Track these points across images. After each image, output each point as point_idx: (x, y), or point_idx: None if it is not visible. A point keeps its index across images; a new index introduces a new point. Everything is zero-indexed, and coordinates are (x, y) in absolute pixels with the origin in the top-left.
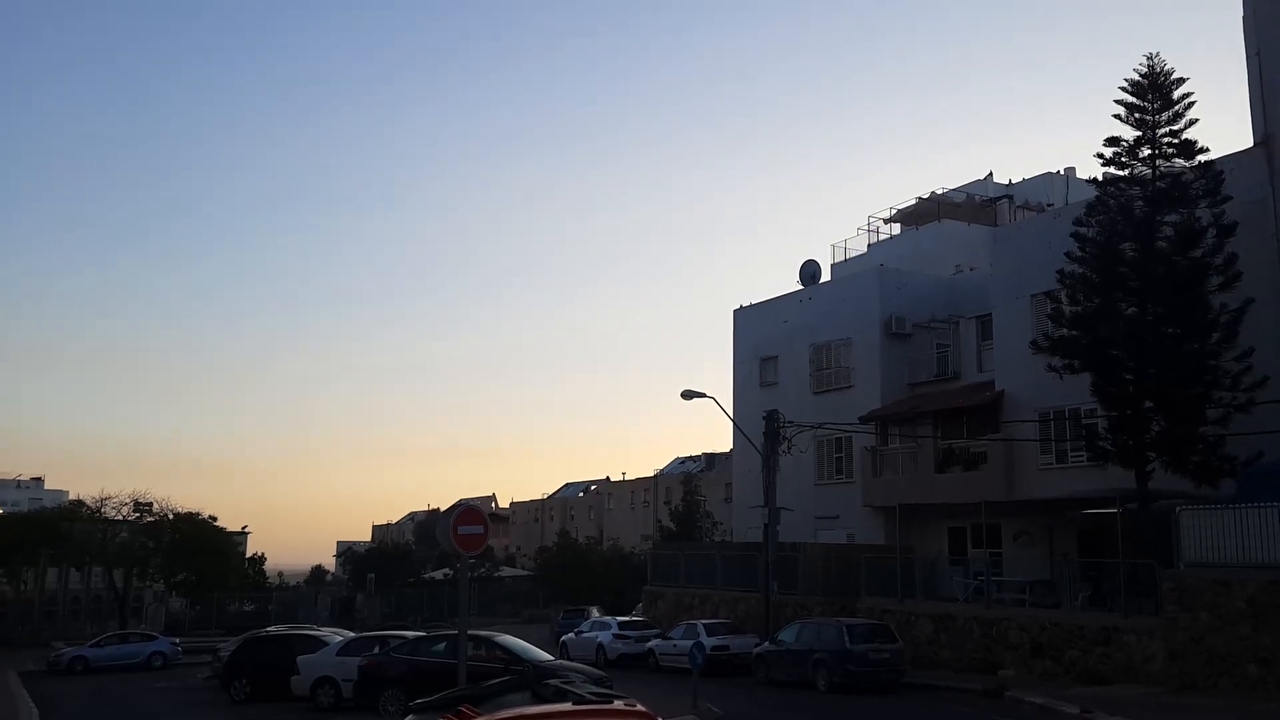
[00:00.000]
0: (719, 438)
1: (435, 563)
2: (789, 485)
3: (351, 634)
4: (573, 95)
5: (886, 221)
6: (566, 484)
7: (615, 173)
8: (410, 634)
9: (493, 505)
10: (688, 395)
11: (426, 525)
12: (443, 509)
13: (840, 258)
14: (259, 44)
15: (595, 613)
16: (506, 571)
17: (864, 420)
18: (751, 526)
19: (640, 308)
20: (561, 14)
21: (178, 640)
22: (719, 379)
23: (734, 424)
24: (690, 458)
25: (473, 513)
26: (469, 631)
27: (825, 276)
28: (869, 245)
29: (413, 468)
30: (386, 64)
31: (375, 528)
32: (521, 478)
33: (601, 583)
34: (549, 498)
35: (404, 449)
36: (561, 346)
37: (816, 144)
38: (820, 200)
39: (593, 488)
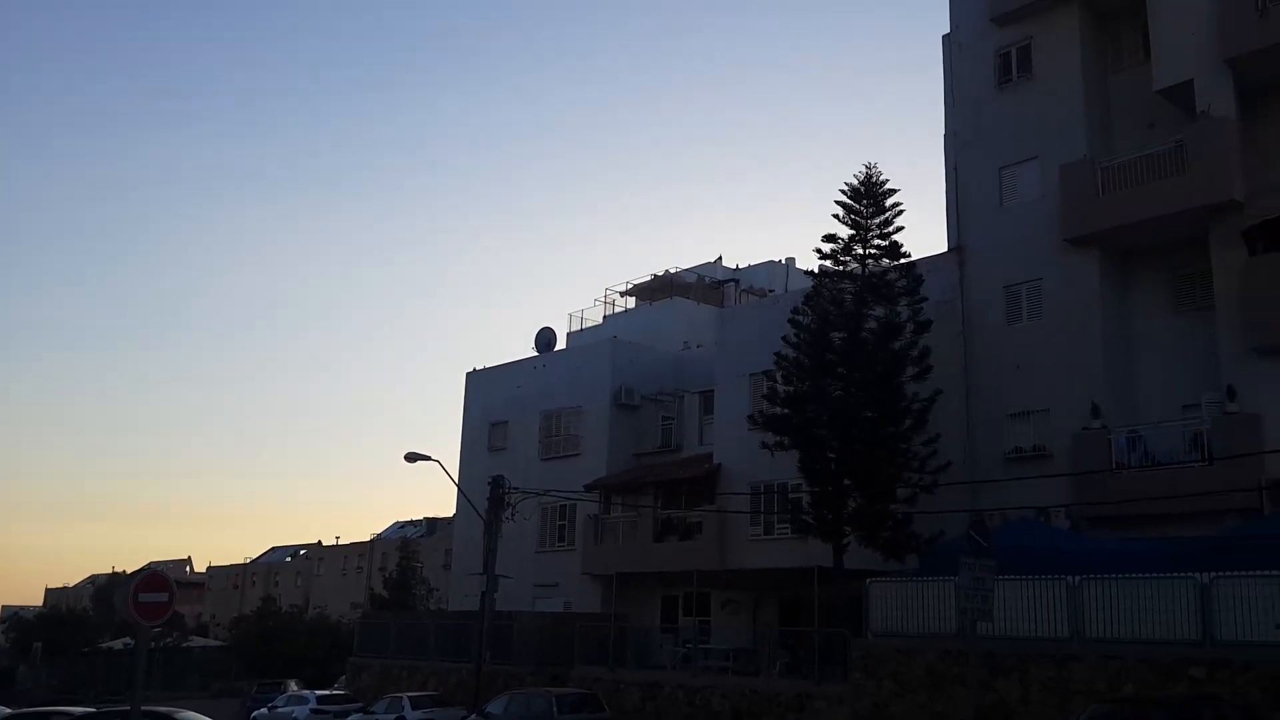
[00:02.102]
0: (443, 502)
1: (114, 631)
2: (511, 552)
3: (6, 710)
4: (301, 138)
5: (623, 295)
6: (273, 548)
7: (339, 225)
8: (77, 710)
9: (187, 570)
10: (411, 458)
11: (107, 590)
12: (129, 572)
13: (577, 327)
14: None
15: (293, 686)
16: (197, 641)
17: (589, 488)
18: (469, 594)
19: (365, 368)
20: (275, 61)
21: None
22: (448, 442)
23: (458, 488)
24: (411, 522)
25: (156, 579)
26: (145, 708)
27: (561, 344)
28: (604, 317)
29: (102, 528)
30: None
31: (49, 591)
32: (224, 541)
33: (305, 654)
34: (251, 562)
35: (95, 507)
36: (275, 404)
37: (560, 214)
38: (561, 269)
39: (301, 552)
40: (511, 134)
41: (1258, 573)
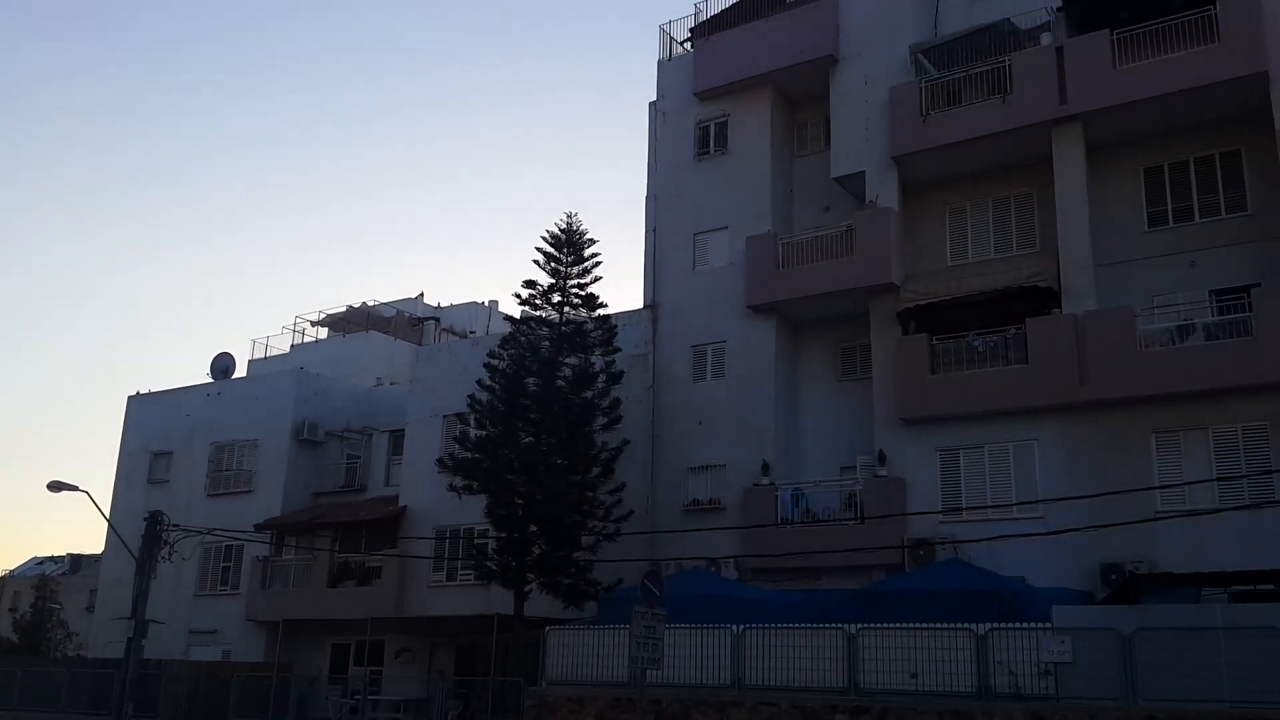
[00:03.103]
0: (92, 538)
1: None
2: (166, 595)
3: None
4: None
5: (314, 324)
6: None
7: None
8: None
9: None
10: (55, 487)
11: None
12: None
13: (261, 354)
14: None
15: None
16: None
17: (260, 528)
18: (113, 641)
19: (2, 382)
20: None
21: None
22: (102, 472)
23: (109, 523)
24: (52, 558)
25: None
26: None
27: (241, 372)
28: (292, 346)
29: None
30: None
31: None
32: None
33: None
34: None
35: None
36: None
37: (250, 234)
38: (249, 292)
39: None
40: (203, 141)
41: (897, 625)
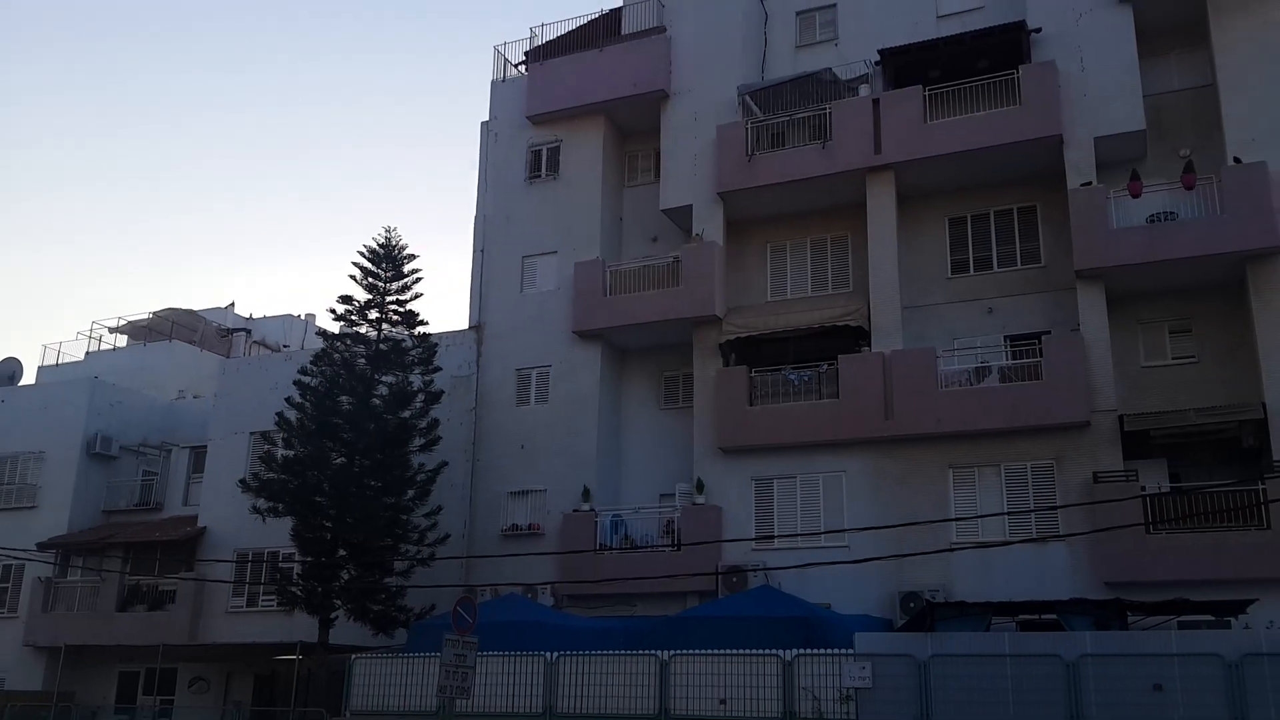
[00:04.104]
0: None
1: None
2: None
3: None
4: None
5: (112, 331)
6: None
7: None
8: None
9: None
10: None
11: None
12: None
13: (53, 361)
14: None
15: None
16: None
17: (43, 546)
18: None
19: None
20: None
21: None
22: None
23: None
24: None
25: None
26: None
27: (30, 379)
28: (87, 353)
29: None
30: None
31: None
32: None
33: None
34: None
35: None
36: None
37: (42, 233)
38: (37, 294)
39: None
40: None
41: (708, 651)
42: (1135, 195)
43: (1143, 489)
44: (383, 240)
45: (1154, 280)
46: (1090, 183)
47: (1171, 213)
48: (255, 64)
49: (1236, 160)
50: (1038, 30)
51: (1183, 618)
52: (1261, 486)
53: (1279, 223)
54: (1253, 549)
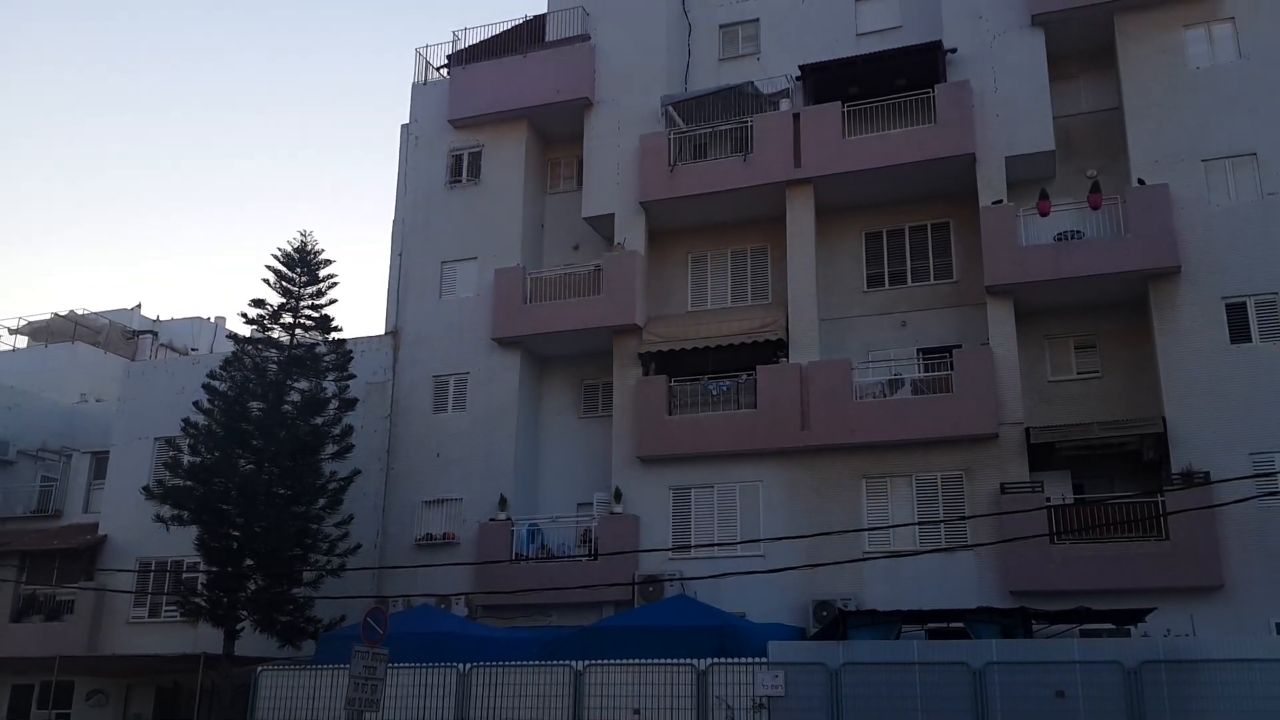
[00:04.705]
0: None
1: None
2: None
3: None
4: None
5: (12, 332)
6: None
7: None
8: None
9: None
10: None
11: None
12: None
13: None
14: None
15: None
16: None
17: None
18: None
19: None
20: None
21: None
22: None
23: None
24: None
25: None
26: None
27: None
28: None
29: None
30: None
31: None
32: None
33: None
34: None
35: None
36: None
37: None
38: None
39: None
40: None
41: (623, 661)
42: (1044, 214)
43: (1048, 500)
44: (298, 244)
45: (1061, 297)
46: (1001, 201)
47: (1078, 231)
48: (166, 58)
49: (1140, 182)
50: (953, 51)
51: (1085, 626)
52: (1160, 499)
53: (1180, 243)
54: (1152, 559)
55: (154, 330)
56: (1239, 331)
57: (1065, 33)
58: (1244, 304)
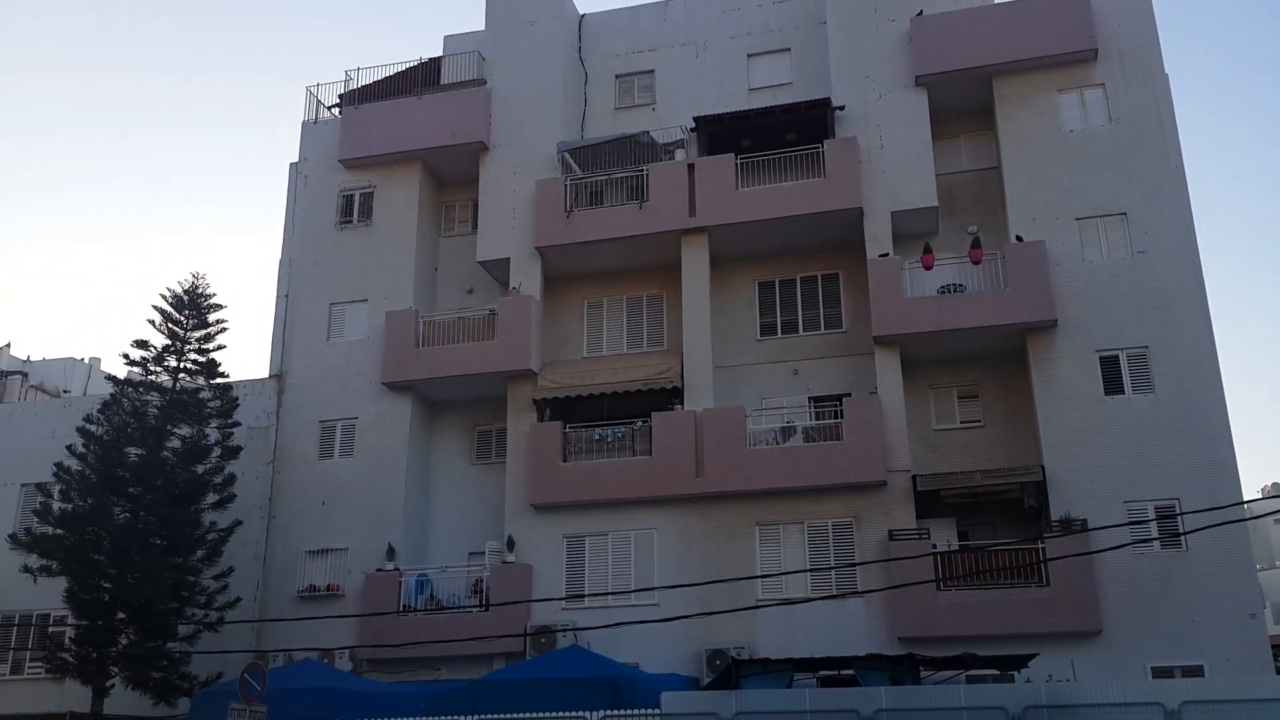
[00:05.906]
0: None
1: None
2: None
3: None
4: None
5: None
6: None
7: None
8: None
9: None
10: None
11: None
12: None
13: None
14: None
15: None
16: None
17: None
18: None
19: None
20: None
21: None
22: None
23: None
24: None
25: None
26: None
27: None
28: None
29: None
30: None
31: None
32: None
33: None
34: None
35: None
36: None
37: None
38: None
39: None
40: None
41: (514, 715)
42: (928, 267)
43: (934, 547)
44: (189, 285)
45: (944, 348)
46: (887, 254)
47: (960, 285)
48: (40, 78)
49: (1019, 238)
50: (841, 108)
51: (971, 672)
52: (1041, 545)
53: (1056, 297)
54: (1034, 605)
55: (24, 371)
56: (1112, 383)
57: (947, 94)
58: (1117, 357)
